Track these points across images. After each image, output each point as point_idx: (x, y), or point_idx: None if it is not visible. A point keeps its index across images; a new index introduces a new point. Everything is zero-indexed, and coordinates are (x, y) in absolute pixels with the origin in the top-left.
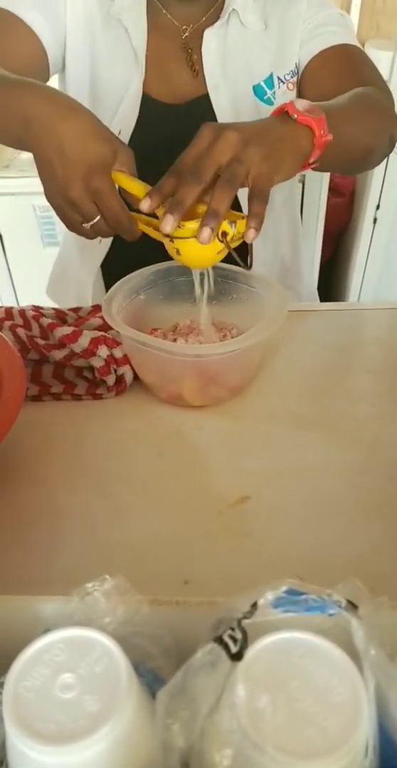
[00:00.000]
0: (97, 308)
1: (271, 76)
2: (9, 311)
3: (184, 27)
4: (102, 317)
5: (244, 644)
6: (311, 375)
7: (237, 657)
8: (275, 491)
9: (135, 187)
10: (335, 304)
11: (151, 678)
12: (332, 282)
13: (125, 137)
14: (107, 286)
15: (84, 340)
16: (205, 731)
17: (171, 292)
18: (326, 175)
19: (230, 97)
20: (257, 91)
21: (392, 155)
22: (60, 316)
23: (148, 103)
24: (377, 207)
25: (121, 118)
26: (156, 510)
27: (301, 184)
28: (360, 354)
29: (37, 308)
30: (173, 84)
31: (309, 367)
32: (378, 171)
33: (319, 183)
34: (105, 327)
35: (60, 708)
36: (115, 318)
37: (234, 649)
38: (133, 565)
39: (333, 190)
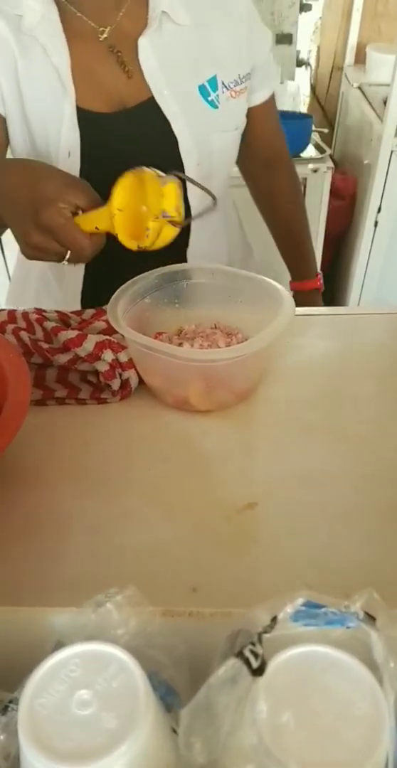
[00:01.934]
0: (101, 311)
1: (215, 78)
2: (12, 314)
3: (101, 29)
4: (106, 320)
5: (264, 659)
6: (317, 380)
7: (258, 672)
8: (282, 497)
9: (99, 217)
10: (340, 309)
11: (164, 690)
12: (332, 285)
13: (76, 158)
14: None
15: (89, 344)
16: (227, 747)
17: (176, 296)
18: (328, 179)
19: (178, 100)
20: (202, 91)
21: (393, 158)
22: (63, 319)
23: (87, 118)
24: (379, 210)
25: (66, 140)
26: (162, 516)
27: (302, 187)
28: (367, 359)
29: (40, 311)
30: (108, 91)
31: (315, 372)
32: (380, 174)
33: (320, 186)
34: (109, 331)
35: (77, 725)
36: (121, 322)
37: (255, 664)
38: (140, 571)
39: (334, 193)
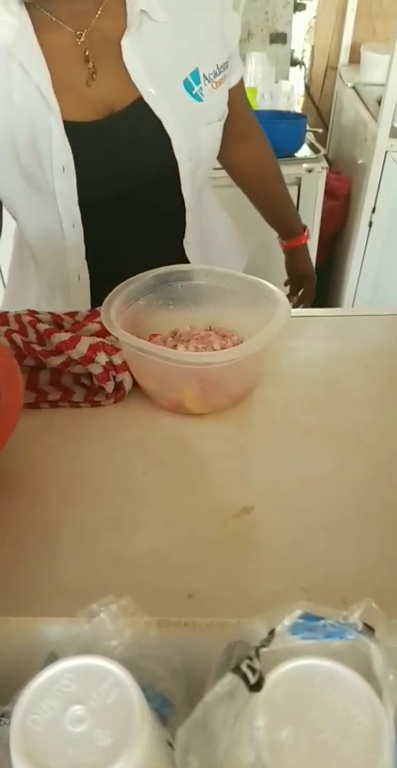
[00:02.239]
0: (94, 313)
1: (197, 71)
2: (4, 316)
3: (78, 32)
4: (100, 323)
5: (262, 674)
6: (314, 382)
7: (256, 688)
8: (279, 501)
9: None
10: (336, 310)
11: (159, 702)
12: (327, 285)
13: (70, 172)
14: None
15: (82, 347)
16: (225, 765)
17: (170, 297)
18: (322, 179)
19: (166, 98)
20: (187, 86)
21: (387, 158)
22: (56, 321)
23: (76, 130)
24: (373, 210)
25: (58, 157)
26: (157, 521)
27: (297, 187)
28: (363, 361)
29: (32, 313)
30: (92, 98)
31: (311, 374)
32: (374, 174)
33: (315, 186)
34: (103, 333)
35: (71, 742)
36: (115, 324)
37: (253, 679)
38: (135, 578)
39: (328, 193)
